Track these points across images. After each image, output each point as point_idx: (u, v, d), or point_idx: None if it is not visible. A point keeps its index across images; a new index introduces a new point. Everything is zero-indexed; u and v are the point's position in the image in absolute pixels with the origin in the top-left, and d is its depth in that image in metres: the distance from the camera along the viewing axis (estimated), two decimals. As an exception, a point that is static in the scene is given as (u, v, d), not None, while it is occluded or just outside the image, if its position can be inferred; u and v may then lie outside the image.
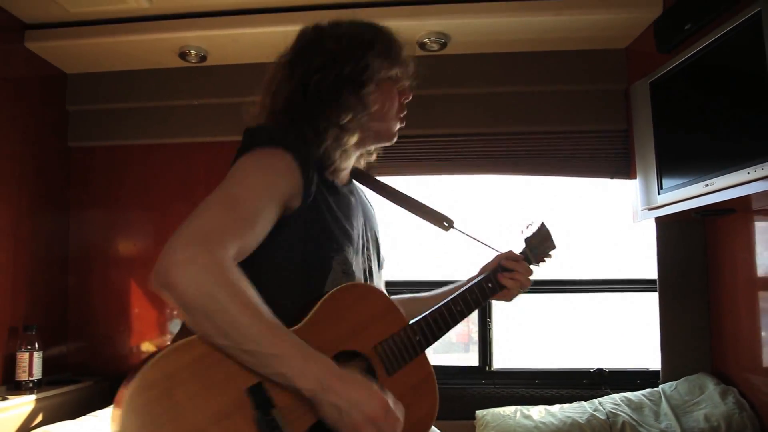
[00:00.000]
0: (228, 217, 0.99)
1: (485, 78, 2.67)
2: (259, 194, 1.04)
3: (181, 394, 0.92)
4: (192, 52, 2.60)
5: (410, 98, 1.33)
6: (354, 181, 1.38)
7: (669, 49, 2.23)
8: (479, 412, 2.45)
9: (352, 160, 1.31)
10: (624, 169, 2.65)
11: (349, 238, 1.19)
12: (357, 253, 1.22)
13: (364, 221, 1.32)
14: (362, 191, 1.42)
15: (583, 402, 2.43)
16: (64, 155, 2.88)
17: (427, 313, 1.23)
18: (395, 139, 1.32)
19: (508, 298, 1.43)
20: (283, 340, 0.94)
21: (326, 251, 1.14)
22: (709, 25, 1.97)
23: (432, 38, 2.46)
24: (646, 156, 2.35)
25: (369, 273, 1.29)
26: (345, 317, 1.08)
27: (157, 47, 2.57)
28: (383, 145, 1.33)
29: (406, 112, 1.33)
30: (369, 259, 1.30)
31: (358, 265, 1.21)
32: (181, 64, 2.71)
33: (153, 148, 2.89)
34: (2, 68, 2.40)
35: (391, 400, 0.95)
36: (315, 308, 1.05)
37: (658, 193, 2.26)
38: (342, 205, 1.23)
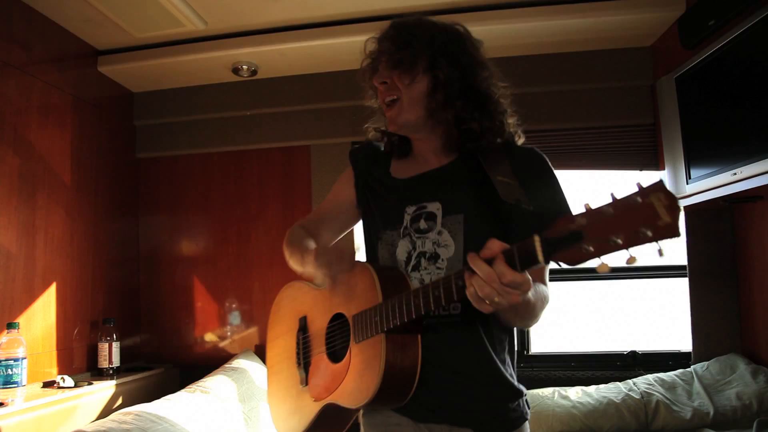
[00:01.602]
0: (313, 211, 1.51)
1: (516, 79, 2.66)
2: (329, 195, 1.49)
3: (276, 314, 1.53)
4: (244, 67, 2.71)
5: (379, 82, 1.26)
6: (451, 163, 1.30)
7: (693, 45, 2.22)
8: (519, 394, 2.48)
9: (396, 147, 1.38)
10: (652, 161, 2.63)
11: (388, 221, 1.31)
12: (401, 236, 1.28)
13: (422, 197, 1.27)
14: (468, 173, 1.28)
15: (617, 383, 2.44)
16: (133, 166, 3.03)
17: (397, 298, 1.12)
18: (394, 126, 1.28)
19: (480, 307, 0.98)
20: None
21: (374, 231, 1.35)
22: (733, 20, 1.96)
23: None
24: (674, 148, 2.34)
25: (415, 256, 1.25)
26: (349, 285, 1.25)
27: (213, 64, 2.68)
28: (395, 133, 1.34)
29: (387, 99, 1.26)
30: (416, 241, 1.25)
31: (401, 247, 1.27)
32: (235, 78, 2.82)
33: (211, 157, 3.01)
34: (79, 91, 2.55)
35: None
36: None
37: (687, 183, 2.25)
38: (390, 192, 1.33)
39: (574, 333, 2.97)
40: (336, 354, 1.28)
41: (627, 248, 0.80)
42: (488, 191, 1.21)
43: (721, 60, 2.02)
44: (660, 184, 0.78)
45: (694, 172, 2.23)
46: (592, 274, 2.82)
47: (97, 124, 2.70)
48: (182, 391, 2.31)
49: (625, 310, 2.96)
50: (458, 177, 1.27)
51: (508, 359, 1.28)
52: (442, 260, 1.22)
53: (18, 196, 2.18)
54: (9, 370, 1.90)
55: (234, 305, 2.95)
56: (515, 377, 1.29)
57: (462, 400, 1.22)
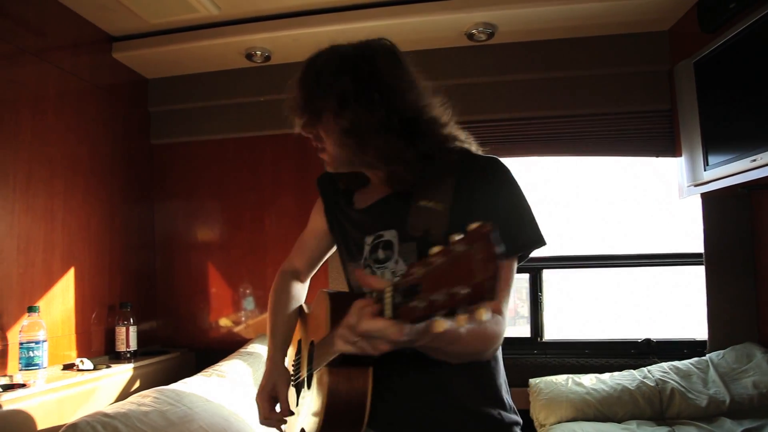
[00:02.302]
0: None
1: (532, 65, 2.66)
2: (308, 225, 1.49)
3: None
4: (257, 52, 2.70)
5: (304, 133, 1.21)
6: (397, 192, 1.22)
7: (713, 29, 2.18)
8: (532, 381, 2.48)
9: (353, 181, 1.32)
10: (669, 147, 2.60)
11: (351, 253, 1.28)
12: (358, 264, 1.25)
13: (377, 227, 1.22)
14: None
15: (632, 370, 2.43)
16: (148, 152, 3.04)
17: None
18: (330, 169, 1.23)
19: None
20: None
21: (343, 263, 1.35)
22: (754, 3, 1.92)
23: (480, 29, 2.47)
24: (692, 134, 2.31)
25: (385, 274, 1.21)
26: (316, 315, 1.29)
27: (226, 50, 2.67)
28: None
29: (317, 149, 1.21)
30: (375, 272, 1.20)
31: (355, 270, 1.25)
32: (248, 64, 2.81)
33: (225, 142, 3.01)
34: (94, 77, 2.56)
35: None
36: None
37: (704, 170, 2.23)
38: (351, 223, 1.29)
39: (588, 320, 2.97)
40: (309, 380, 1.29)
41: (445, 311, 0.66)
42: (443, 216, 1.12)
43: (741, 44, 1.99)
44: (482, 230, 0.63)
45: (711, 159, 2.20)
46: (607, 261, 2.80)
47: (113, 111, 2.71)
48: (199, 374, 2.34)
49: (639, 298, 2.95)
50: (409, 201, 1.17)
51: (489, 387, 1.19)
52: None
53: (36, 182, 2.20)
54: (30, 352, 1.93)
55: (248, 290, 2.98)
56: (507, 407, 1.21)
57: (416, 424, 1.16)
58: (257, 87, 2.90)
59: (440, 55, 2.72)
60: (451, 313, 0.65)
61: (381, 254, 1.19)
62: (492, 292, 0.62)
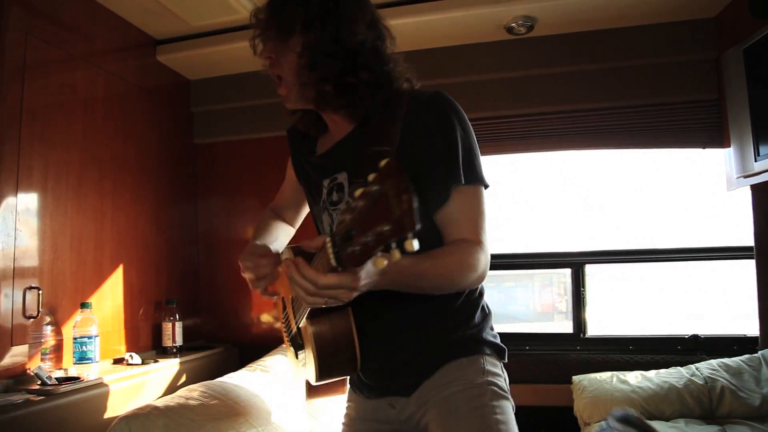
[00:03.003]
0: None
1: (574, 57, 2.60)
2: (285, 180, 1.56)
3: None
4: (296, 52, 2.70)
5: (264, 58, 1.23)
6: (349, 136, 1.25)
7: (764, 15, 2.09)
8: (576, 378, 2.43)
9: (312, 125, 1.34)
10: (716, 138, 2.51)
11: (313, 197, 1.35)
12: (322, 211, 1.30)
13: (334, 169, 1.25)
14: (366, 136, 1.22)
15: (679, 367, 2.36)
16: (191, 151, 3.10)
17: None
18: (288, 104, 1.26)
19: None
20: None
21: (310, 206, 1.42)
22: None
23: (519, 22, 2.43)
24: (741, 124, 2.23)
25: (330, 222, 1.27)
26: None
27: (266, 50, 2.69)
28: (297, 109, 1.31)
29: (273, 76, 1.24)
30: (332, 214, 1.25)
31: (324, 222, 1.30)
32: (287, 63, 2.83)
33: (264, 141, 3.04)
34: (139, 79, 2.62)
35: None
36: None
37: (755, 160, 2.14)
38: (313, 169, 1.33)
39: (633, 316, 2.90)
40: (299, 333, 1.32)
41: (380, 248, 0.69)
42: (398, 155, 1.14)
43: (795, 29, 1.90)
44: (390, 166, 0.67)
45: (762, 149, 2.12)
46: (653, 256, 2.71)
47: (157, 112, 2.77)
48: (243, 369, 2.37)
49: (687, 293, 2.86)
50: (360, 143, 1.20)
51: (462, 318, 1.25)
52: None
53: (87, 183, 2.26)
54: (84, 347, 2.00)
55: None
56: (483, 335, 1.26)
57: (396, 362, 1.24)
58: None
59: (480, 50, 2.69)
60: (386, 250, 0.69)
61: (335, 196, 1.23)
62: (412, 224, 0.65)
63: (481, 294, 1.30)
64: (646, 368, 2.41)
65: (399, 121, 1.14)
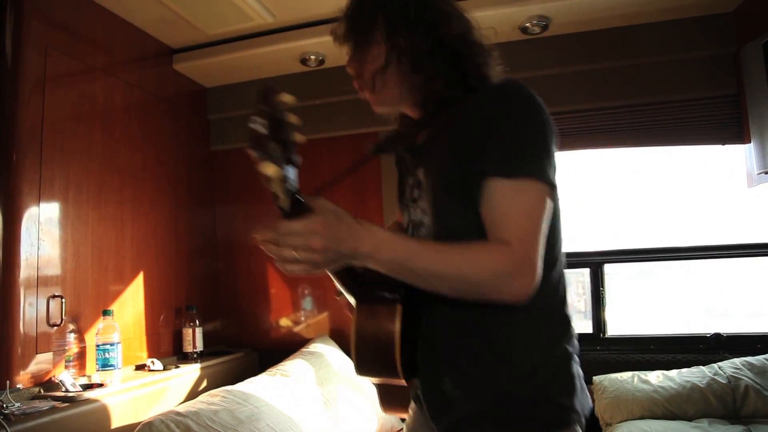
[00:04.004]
0: None
1: (589, 55, 2.56)
2: None
3: None
4: (312, 57, 2.71)
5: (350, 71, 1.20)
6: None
7: (783, 8, 2.04)
8: (596, 378, 2.40)
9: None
10: (737, 134, 2.45)
11: (400, 194, 1.30)
12: (404, 208, 1.26)
13: (417, 165, 1.20)
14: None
15: (701, 366, 2.31)
16: (208, 158, 3.11)
17: None
18: (376, 109, 1.21)
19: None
20: None
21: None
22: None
23: (534, 22, 2.41)
24: (762, 119, 2.18)
25: (410, 225, 1.22)
26: None
27: (281, 56, 2.70)
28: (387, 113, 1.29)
29: (360, 87, 1.20)
30: (411, 210, 1.21)
31: (405, 219, 1.26)
32: (303, 69, 2.83)
33: (281, 147, 3.03)
34: (157, 89, 2.64)
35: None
36: None
37: (777, 157, 2.10)
38: (402, 165, 1.30)
39: (654, 315, 2.85)
40: None
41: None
42: (452, 141, 1.06)
43: (816, 22, 1.86)
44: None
45: (784, 144, 2.07)
46: (674, 254, 2.66)
47: (174, 120, 2.79)
48: (263, 374, 2.37)
49: (708, 291, 2.81)
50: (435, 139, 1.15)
51: (527, 359, 1.04)
52: (424, 227, 1.15)
53: (107, 192, 2.28)
54: (106, 353, 2.01)
55: (306, 291, 3.00)
56: (555, 395, 1.04)
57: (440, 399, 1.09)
58: (312, 90, 2.91)
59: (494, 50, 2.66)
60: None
61: (415, 192, 1.19)
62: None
63: (568, 356, 1.08)
64: (668, 368, 2.37)
65: (467, 113, 1.06)
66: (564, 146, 2.70)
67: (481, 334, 1.06)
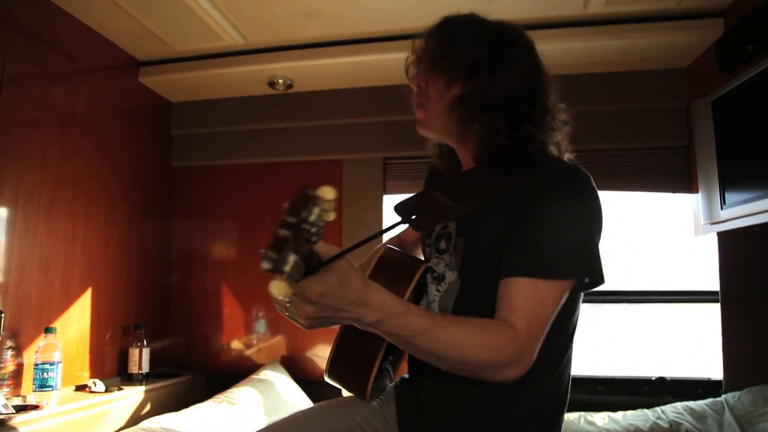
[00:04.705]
0: None
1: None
2: None
3: None
4: (280, 81, 2.72)
5: (414, 84, 1.20)
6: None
7: (731, 69, 2.16)
8: (543, 415, 2.42)
9: (448, 160, 1.32)
10: (686, 184, 2.57)
11: (425, 236, 1.30)
12: (427, 254, 1.27)
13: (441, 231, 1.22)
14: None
15: (645, 410, 2.37)
16: (168, 173, 3.06)
17: None
18: (421, 128, 1.21)
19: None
20: None
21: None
22: (773, 46, 1.91)
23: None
24: (709, 172, 2.29)
25: (430, 274, 1.23)
26: None
27: (249, 77, 2.70)
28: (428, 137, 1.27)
29: (416, 103, 1.20)
30: (433, 259, 1.22)
31: (429, 263, 1.25)
32: (270, 91, 2.83)
33: (244, 167, 3.02)
34: (120, 100, 2.59)
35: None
36: None
37: (721, 209, 2.19)
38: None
39: (602, 356, 2.91)
40: None
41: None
42: (497, 214, 1.07)
43: (759, 85, 1.97)
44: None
45: (728, 197, 2.17)
46: (621, 297, 2.75)
47: (136, 133, 2.74)
48: (210, 401, 2.31)
49: (654, 335, 2.89)
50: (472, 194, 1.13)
51: (523, 406, 1.11)
52: (445, 284, 1.16)
53: (60, 203, 2.21)
54: (45, 374, 1.93)
55: (260, 313, 2.96)
56: None
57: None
58: (278, 114, 2.92)
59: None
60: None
61: (443, 244, 1.19)
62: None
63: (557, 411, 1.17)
64: (614, 409, 2.42)
65: (519, 189, 1.06)
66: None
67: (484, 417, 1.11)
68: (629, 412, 2.37)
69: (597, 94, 2.62)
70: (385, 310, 0.88)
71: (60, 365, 1.98)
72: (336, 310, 0.84)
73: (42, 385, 1.92)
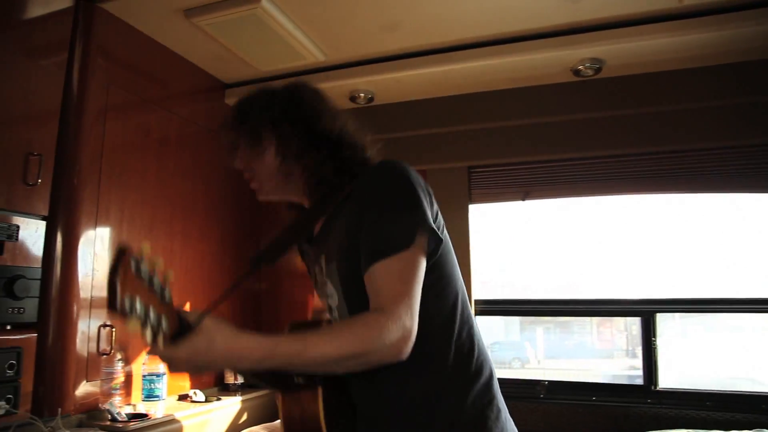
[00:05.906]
0: None
1: (642, 98, 2.54)
2: None
3: None
4: (361, 95, 2.79)
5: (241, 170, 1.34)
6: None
7: None
8: (647, 433, 2.31)
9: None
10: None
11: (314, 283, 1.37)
12: (317, 288, 1.33)
13: (319, 254, 1.29)
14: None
15: (764, 429, 2.21)
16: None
17: None
18: (262, 198, 1.37)
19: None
20: None
21: None
22: None
23: (587, 65, 2.42)
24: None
25: (329, 308, 1.28)
26: None
27: (331, 93, 2.68)
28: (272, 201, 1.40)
29: (250, 179, 1.34)
30: (322, 292, 1.30)
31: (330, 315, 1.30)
32: (352, 105, 2.91)
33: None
34: (209, 122, 2.74)
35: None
36: None
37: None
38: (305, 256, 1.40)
39: (711, 368, 2.74)
40: None
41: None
42: (341, 226, 1.19)
43: None
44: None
45: None
46: (728, 306, 2.57)
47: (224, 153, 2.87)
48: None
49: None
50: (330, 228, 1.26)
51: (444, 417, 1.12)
52: (335, 310, 1.22)
53: (159, 223, 2.37)
54: (152, 384, 2.07)
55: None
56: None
57: None
58: (361, 127, 2.96)
59: (544, 92, 2.68)
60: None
61: (320, 278, 1.28)
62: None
63: (483, 405, 1.15)
64: (727, 428, 2.26)
65: (352, 197, 1.19)
66: (615, 191, 2.69)
67: (405, 402, 1.15)
68: (744, 432, 2.21)
69: (692, 90, 2.48)
70: (260, 351, 0.97)
71: (165, 376, 2.11)
72: (209, 364, 0.98)
73: (149, 395, 2.06)
